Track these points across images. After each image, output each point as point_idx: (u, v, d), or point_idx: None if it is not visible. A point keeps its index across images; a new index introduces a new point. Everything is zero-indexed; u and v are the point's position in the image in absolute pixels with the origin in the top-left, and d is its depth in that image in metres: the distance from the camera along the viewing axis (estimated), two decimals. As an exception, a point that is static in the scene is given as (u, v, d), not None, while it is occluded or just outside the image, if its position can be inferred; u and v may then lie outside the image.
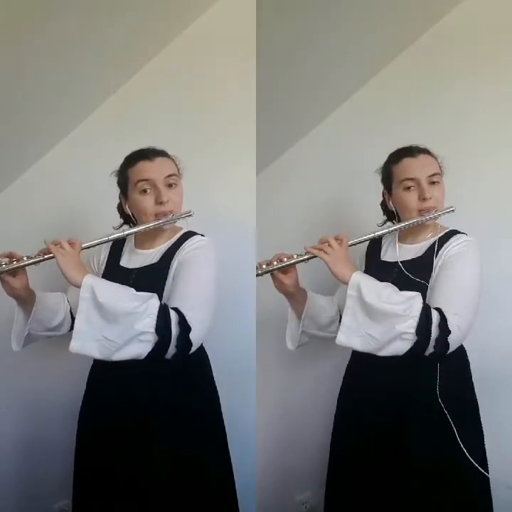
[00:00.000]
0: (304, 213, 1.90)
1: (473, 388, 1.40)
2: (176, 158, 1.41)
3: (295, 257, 1.35)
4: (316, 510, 1.91)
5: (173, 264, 1.32)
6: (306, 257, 1.33)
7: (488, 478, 1.35)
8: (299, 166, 1.93)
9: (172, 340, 1.20)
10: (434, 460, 1.29)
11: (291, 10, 1.57)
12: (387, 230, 1.39)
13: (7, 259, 1.25)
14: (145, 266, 1.36)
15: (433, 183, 1.37)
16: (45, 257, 1.24)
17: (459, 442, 1.27)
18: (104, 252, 1.47)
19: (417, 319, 1.21)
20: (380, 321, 1.22)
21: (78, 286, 1.20)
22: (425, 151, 1.40)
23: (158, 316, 1.19)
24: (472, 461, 1.27)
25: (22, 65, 1.44)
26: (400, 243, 1.45)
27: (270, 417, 1.86)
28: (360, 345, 1.24)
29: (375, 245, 1.51)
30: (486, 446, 1.38)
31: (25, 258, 1.25)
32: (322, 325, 1.51)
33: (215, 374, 1.44)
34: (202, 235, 1.39)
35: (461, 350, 1.38)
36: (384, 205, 1.51)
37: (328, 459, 1.53)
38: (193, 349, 1.25)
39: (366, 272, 1.46)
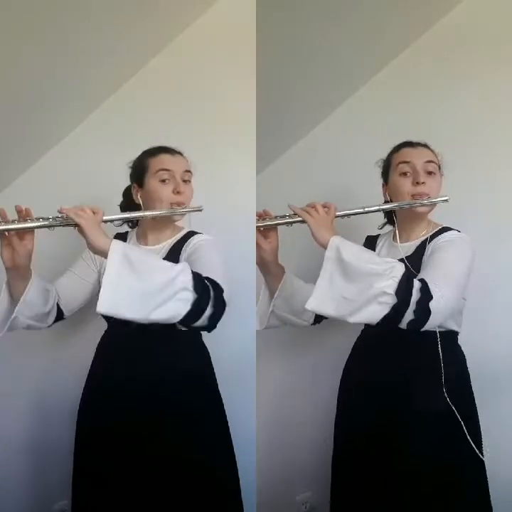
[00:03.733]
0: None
1: (470, 388, 1.40)
2: (189, 159, 1.45)
3: (277, 218, 1.32)
4: (316, 510, 1.91)
5: (180, 258, 1.34)
6: (289, 219, 1.30)
7: (486, 477, 1.35)
8: (299, 166, 1.93)
9: (211, 298, 1.16)
10: (432, 458, 1.29)
11: (291, 10, 1.57)
12: (376, 208, 1.37)
13: (16, 219, 1.14)
14: None
15: (429, 172, 1.38)
16: (67, 219, 1.14)
17: (458, 440, 1.27)
18: None
19: (397, 280, 1.15)
20: (358, 280, 1.17)
21: (102, 252, 1.12)
22: (425, 145, 1.43)
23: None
24: (478, 452, 1.27)
25: (22, 65, 1.45)
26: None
27: (270, 417, 1.86)
28: (333, 310, 1.19)
29: (370, 246, 1.52)
30: (488, 445, 1.37)
31: (41, 219, 1.14)
32: (296, 310, 1.46)
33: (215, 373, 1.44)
34: (202, 234, 1.41)
35: (457, 350, 1.40)
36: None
37: (328, 458, 1.53)
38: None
39: None
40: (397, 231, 1.47)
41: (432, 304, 1.16)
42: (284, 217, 1.33)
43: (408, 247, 1.41)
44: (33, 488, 1.77)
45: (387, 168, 1.47)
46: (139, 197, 1.41)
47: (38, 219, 1.16)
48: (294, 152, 1.94)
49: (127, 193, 1.48)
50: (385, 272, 1.17)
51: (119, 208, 1.51)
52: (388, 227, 1.57)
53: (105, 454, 1.32)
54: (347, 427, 1.48)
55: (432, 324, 1.19)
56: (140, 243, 1.44)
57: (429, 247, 1.35)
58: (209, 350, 1.44)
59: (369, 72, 1.88)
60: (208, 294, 1.15)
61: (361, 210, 1.35)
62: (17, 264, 1.21)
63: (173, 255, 1.36)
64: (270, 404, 1.87)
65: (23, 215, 1.18)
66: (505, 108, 1.76)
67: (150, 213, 1.35)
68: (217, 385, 1.43)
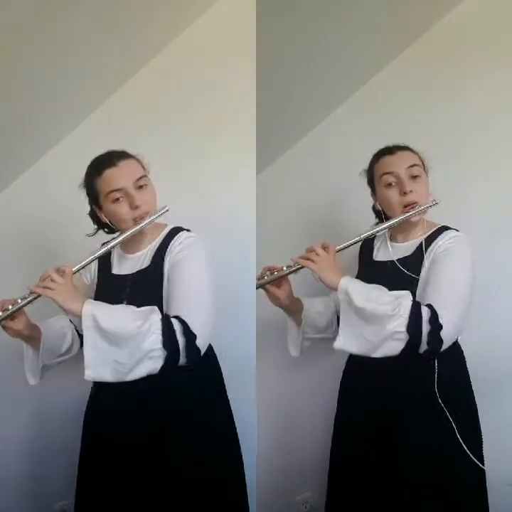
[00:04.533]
0: (304, 213, 1.90)
1: (470, 388, 1.40)
2: (139, 155, 1.37)
3: (285, 269, 1.39)
4: (316, 510, 1.91)
5: (165, 265, 1.31)
6: (294, 268, 1.37)
7: (484, 478, 1.35)
8: (299, 166, 1.93)
9: (181, 351, 1.20)
10: (431, 459, 1.29)
11: (291, 10, 1.57)
12: (370, 232, 1.40)
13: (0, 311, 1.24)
14: (137, 271, 1.35)
15: (414, 177, 1.37)
16: (39, 292, 1.21)
17: (456, 440, 1.27)
18: (94, 262, 1.41)
19: (406, 317, 1.21)
20: (371, 322, 1.24)
21: (79, 316, 1.18)
22: (404, 148, 1.42)
23: (162, 331, 1.18)
24: (472, 456, 1.27)
25: (22, 65, 1.44)
26: (392, 242, 1.46)
27: (270, 417, 1.86)
28: (357, 348, 1.27)
29: (367, 246, 1.53)
30: (488, 445, 1.38)
31: (19, 301, 1.24)
32: (320, 328, 1.54)
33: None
34: (187, 230, 1.36)
35: (456, 350, 1.39)
36: (374, 208, 1.52)
37: (328, 458, 1.53)
38: (202, 353, 1.26)
39: (359, 272, 1.48)
40: (387, 233, 1.47)
41: (443, 333, 1.22)
42: (290, 267, 1.38)
43: (407, 248, 1.41)
44: (34, 488, 1.77)
45: (371, 178, 1.46)
46: (103, 217, 1.36)
47: (16, 301, 1.24)
48: (294, 152, 1.94)
49: (93, 214, 1.41)
50: (393, 311, 1.22)
51: (89, 215, 1.44)
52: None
53: (109, 455, 1.32)
54: (346, 429, 1.48)
55: (445, 347, 1.25)
56: (124, 251, 1.41)
57: (430, 253, 1.35)
58: (214, 351, 1.44)
59: (369, 72, 1.88)
60: (177, 349, 1.19)
61: (358, 239, 1.40)
62: (23, 336, 1.31)
63: (156, 263, 1.32)
64: (270, 405, 1.86)
65: (4, 307, 1.25)
66: (506, 108, 1.76)
67: (114, 243, 1.30)
68: (224, 386, 1.42)
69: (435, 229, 1.40)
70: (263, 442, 1.79)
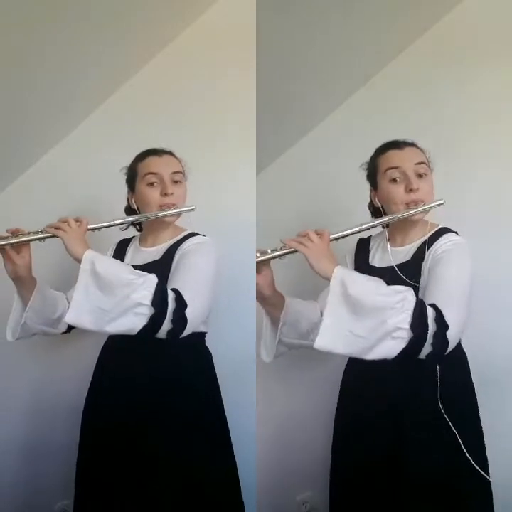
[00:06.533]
0: (305, 213, 1.90)
1: (474, 392, 1.34)
2: (182, 160, 1.45)
3: (269, 251, 1.22)
4: (316, 510, 1.90)
5: (174, 259, 1.35)
6: (282, 251, 1.21)
7: (490, 488, 1.30)
8: (299, 166, 1.93)
9: (168, 314, 1.18)
10: (434, 470, 1.23)
11: (291, 10, 1.57)
12: (371, 224, 1.30)
13: (11, 235, 1.28)
14: (148, 263, 1.39)
15: (420, 175, 1.31)
16: (52, 232, 1.26)
17: (460, 451, 1.21)
18: (108, 253, 1.50)
19: (410, 313, 1.08)
20: (369, 316, 1.08)
21: (79, 260, 1.21)
22: (412, 144, 1.36)
23: (155, 290, 1.18)
24: (477, 467, 1.21)
25: (22, 65, 1.44)
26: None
27: (270, 416, 1.86)
28: (344, 348, 1.10)
29: (363, 250, 1.46)
30: (490, 449, 1.36)
31: (30, 233, 1.27)
32: (303, 332, 1.37)
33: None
34: (203, 236, 1.41)
35: (461, 354, 1.33)
36: (372, 206, 1.45)
37: (328, 459, 1.52)
38: (187, 329, 1.22)
39: None
40: (386, 234, 1.40)
41: (449, 333, 1.11)
42: (275, 250, 1.23)
43: (405, 252, 1.34)
44: (34, 488, 1.77)
45: (373, 172, 1.38)
46: (133, 201, 1.44)
47: (29, 233, 1.28)
48: (294, 152, 1.94)
49: (127, 208, 1.50)
50: (397, 304, 1.09)
51: (125, 211, 1.51)
52: (380, 228, 1.48)
53: (107, 455, 1.32)
54: (345, 434, 1.43)
55: (449, 350, 1.14)
56: (141, 245, 1.46)
57: (429, 256, 1.27)
58: (209, 351, 1.44)
59: (369, 72, 1.87)
60: (165, 310, 1.17)
61: (356, 229, 1.29)
62: (19, 276, 1.32)
63: (167, 257, 1.37)
64: (270, 404, 1.86)
65: (15, 232, 1.30)
66: (507, 108, 1.76)
67: (133, 218, 1.38)
68: (218, 386, 1.43)
69: (434, 231, 1.33)
70: (263, 442, 1.79)
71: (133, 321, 1.17)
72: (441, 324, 1.11)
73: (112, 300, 1.16)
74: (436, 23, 1.82)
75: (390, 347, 1.10)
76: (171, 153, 1.44)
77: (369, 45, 1.76)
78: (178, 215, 1.41)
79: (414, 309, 1.10)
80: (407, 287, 1.15)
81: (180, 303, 1.20)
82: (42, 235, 1.27)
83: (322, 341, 1.10)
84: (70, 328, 1.46)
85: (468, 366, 1.36)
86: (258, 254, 1.25)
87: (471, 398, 1.34)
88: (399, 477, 1.26)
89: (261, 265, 1.27)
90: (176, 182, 1.39)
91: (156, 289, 1.18)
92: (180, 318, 1.19)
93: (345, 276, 1.13)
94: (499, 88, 1.77)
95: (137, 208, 1.43)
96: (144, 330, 1.18)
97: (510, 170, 1.76)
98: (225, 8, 1.75)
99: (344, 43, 1.71)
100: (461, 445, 1.20)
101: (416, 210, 1.29)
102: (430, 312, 1.12)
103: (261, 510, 1.72)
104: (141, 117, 1.75)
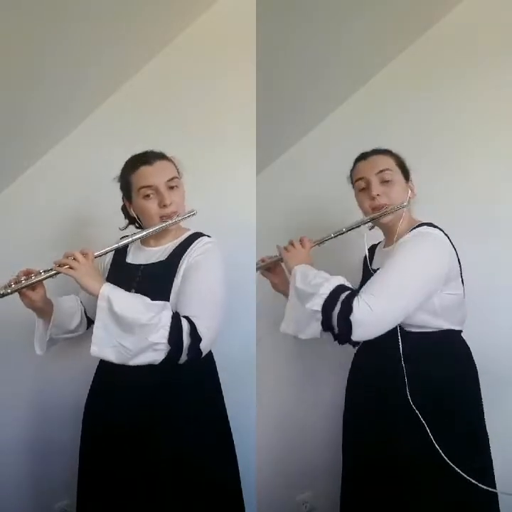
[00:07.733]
0: (304, 213, 1.90)
1: (474, 388, 1.36)
2: (175, 158, 1.43)
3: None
4: (316, 510, 1.90)
5: (182, 263, 1.34)
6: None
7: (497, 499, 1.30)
8: (299, 166, 1.93)
9: (184, 350, 1.24)
10: (423, 461, 1.25)
11: (291, 10, 1.57)
12: (344, 230, 1.44)
13: (24, 277, 1.31)
14: (153, 262, 1.39)
15: (385, 182, 1.38)
16: (62, 271, 1.27)
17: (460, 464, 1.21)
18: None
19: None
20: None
21: (96, 295, 1.24)
22: (381, 151, 1.42)
23: (171, 328, 1.23)
24: (449, 462, 1.21)
25: (22, 65, 1.44)
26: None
27: (270, 417, 1.86)
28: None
29: (371, 254, 1.52)
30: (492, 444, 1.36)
31: (42, 272, 1.30)
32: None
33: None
34: (208, 236, 1.41)
35: (458, 350, 1.36)
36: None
37: (328, 458, 1.53)
38: (203, 355, 1.29)
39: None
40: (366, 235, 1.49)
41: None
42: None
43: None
44: (34, 488, 1.77)
45: (352, 183, 1.48)
46: (132, 211, 1.43)
47: (40, 273, 1.31)
48: (294, 152, 1.94)
49: (124, 208, 1.49)
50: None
51: (122, 210, 1.51)
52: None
53: (108, 456, 1.32)
54: (352, 431, 1.45)
55: (359, 336, 1.22)
56: (144, 244, 1.45)
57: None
58: (211, 352, 1.44)
59: (369, 73, 1.88)
60: (180, 347, 1.23)
61: (333, 235, 1.46)
62: (37, 307, 1.38)
63: (174, 259, 1.36)
64: (270, 405, 1.86)
65: (28, 273, 1.32)
66: (506, 109, 1.76)
67: (138, 236, 1.37)
68: (220, 388, 1.43)
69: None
70: (263, 442, 1.79)
71: (153, 356, 1.23)
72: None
73: (131, 337, 1.22)
74: (436, 23, 1.82)
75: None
76: (162, 157, 1.39)
77: (369, 45, 1.76)
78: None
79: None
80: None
81: (195, 338, 1.25)
82: (53, 273, 1.29)
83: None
84: (89, 324, 1.51)
85: (468, 359, 1.37)
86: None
87: (471, 391, 1.36)
88: (394, 475, 1.29)
89: (275, 266, 1.54)
90: (172, 188, 1.37)
91: (171, 327, 1.23)
92: (195, 352, 1.26)
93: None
94: (499, 88, 1.77)
95: (137, 216, 1.43)
96: (163, 363, 1.24)
97: (510, 170, 1.76)
98: (225, 8, 1.76)
99: (344, 43, 1.71)
100: (432, 438, 1.22)
101: (374, 215, 1.38)
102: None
103: (261, 510, 1.73)
104: (141, 117, 1.75)
